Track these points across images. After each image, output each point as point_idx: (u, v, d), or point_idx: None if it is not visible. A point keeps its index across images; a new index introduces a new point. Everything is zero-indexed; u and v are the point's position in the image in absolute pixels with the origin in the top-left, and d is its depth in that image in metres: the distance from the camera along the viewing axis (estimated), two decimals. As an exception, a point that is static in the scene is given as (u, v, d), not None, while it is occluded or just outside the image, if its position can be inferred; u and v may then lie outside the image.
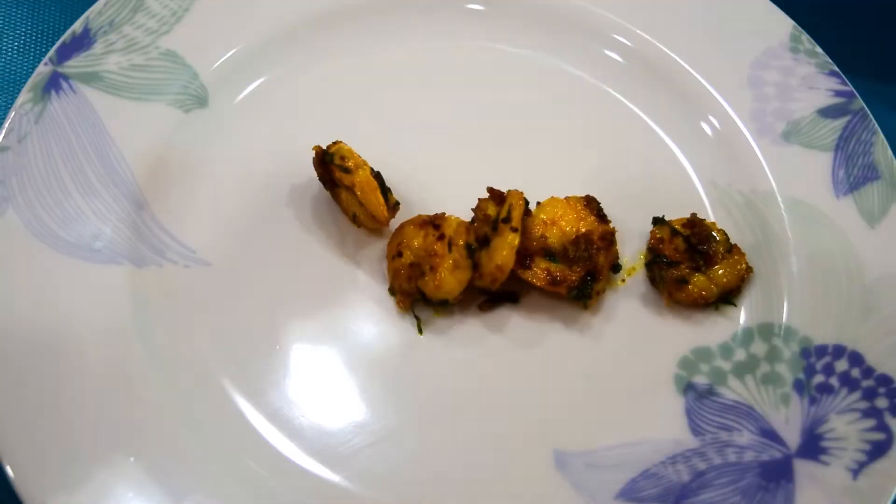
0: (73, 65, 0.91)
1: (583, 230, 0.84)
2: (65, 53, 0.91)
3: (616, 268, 0.87)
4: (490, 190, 0.85)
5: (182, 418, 0.78)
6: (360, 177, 0.83)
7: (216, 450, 0.77)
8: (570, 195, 0.87)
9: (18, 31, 1.04)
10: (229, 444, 0.78)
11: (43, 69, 0.90)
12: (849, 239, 0.88)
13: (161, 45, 0.94)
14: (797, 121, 0.94)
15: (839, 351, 0.83)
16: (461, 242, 0.82)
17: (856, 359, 0.82)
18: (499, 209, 0.84)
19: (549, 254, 0.84)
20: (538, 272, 0.83)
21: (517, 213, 0.82)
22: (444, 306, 0.84)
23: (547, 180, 0.90)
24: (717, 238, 0.87)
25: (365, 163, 0.85)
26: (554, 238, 0.84)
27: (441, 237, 0.83)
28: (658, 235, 0.88)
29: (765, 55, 0.98)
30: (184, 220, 0.88)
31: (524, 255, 0.83)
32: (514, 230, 0.81)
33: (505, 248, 0.80)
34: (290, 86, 0.97)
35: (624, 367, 0.84)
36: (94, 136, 0.88)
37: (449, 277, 0.81)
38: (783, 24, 0.99)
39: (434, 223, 0.85)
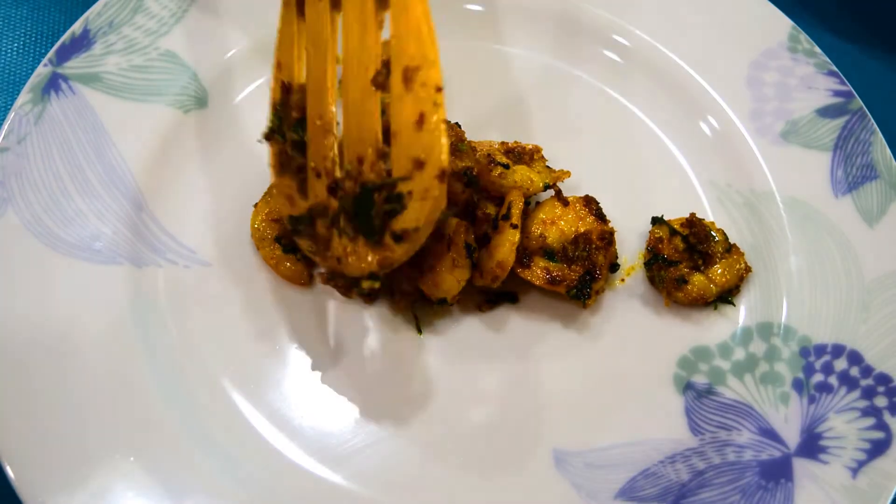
0: (73, 66, 0.91)
1: (582, 230, 0.85)
2: (64, 54, 0.91)
3: (614, 267, 0.87)
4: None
5: (182, 418, 0.78)
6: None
7: (216, 450, 0.77)
8: (569, 195, 0.87)
9: (18, 32, 1.04)
10: (229, 443, 0.78)
11: (42, 70, 0.90)
12: (847, 238, 0.88)
13: (160, 45, 0.94)
14: (796, 121, 0.94)
15: (838, 350, 0.83)
16: (460, 242, 0.81)
17: (855, 357, 0.82)
18: (498, 208, 0.84)
19: (549, 253, 0.84)
20: (537, 271, 0.83)
21: (517, 211, 0.82)
22: (442, 306, 0.84)
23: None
24: (716, 238, 0.87)
25: None
26: (553, 237, 0.84)
27: (440, 236, 0.82)
28: (657, 235, 0.88)
29: (763, 55, 0.98)
30: (184, 221, 0.88)
31: (523, 255, 0.83)
32: (515, 227, 0.81)
33: (505, 245, 0.80)
34: (290, 86, 0.97)
35: (623, 367, 0.84)
36: (94, 137, 0.88)
37: (448, 277, 0.81)
38: (782, 24, 0.99)
39: (433, 223, 0.85)
